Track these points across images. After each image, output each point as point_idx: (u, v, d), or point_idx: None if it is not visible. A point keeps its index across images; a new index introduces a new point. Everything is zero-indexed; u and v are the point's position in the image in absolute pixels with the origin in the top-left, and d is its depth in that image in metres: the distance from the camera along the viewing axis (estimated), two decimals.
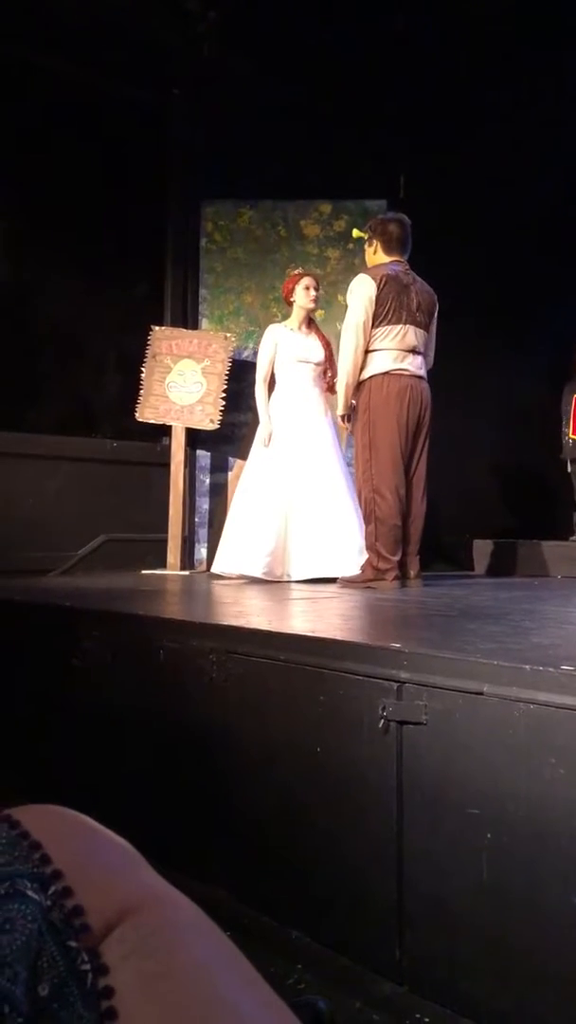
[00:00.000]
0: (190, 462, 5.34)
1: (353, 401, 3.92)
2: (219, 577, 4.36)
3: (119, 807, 1.79)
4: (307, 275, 4.55)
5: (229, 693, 1.97)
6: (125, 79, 5.17)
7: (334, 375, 4.45)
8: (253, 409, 4.52)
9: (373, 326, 3.79)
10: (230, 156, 5.24)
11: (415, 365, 3.87)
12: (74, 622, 2.54)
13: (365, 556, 3.95)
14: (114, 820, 0.70)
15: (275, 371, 4.50)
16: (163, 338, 5.30)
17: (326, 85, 5.31)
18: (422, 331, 3.89)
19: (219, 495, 5.34)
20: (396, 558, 3.77)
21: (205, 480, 5.44)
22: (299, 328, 4.51)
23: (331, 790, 1.71)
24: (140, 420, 5.21)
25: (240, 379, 5.08)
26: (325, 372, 4.50)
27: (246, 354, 5.24)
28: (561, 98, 5.37)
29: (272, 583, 4.10)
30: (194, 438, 5.33)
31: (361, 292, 3.80)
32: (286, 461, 4.32)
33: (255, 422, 4.48)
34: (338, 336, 4.05)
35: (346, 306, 3.96)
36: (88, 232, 5.03)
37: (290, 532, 4.24)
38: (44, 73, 4.94)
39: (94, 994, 0.51)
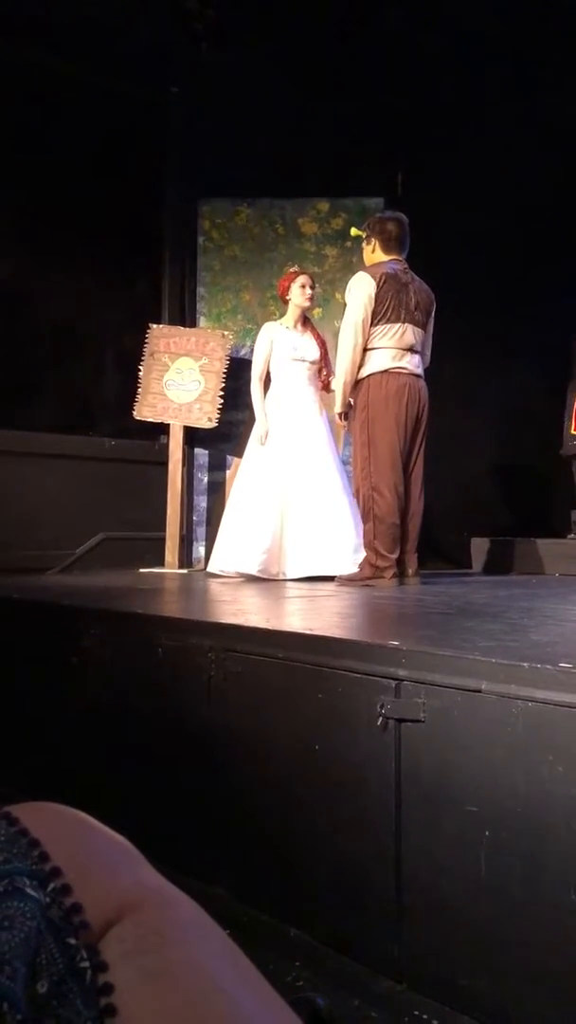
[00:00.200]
0: (188, 460, 5.34)
1: (351, 399, 3.92)
2: (216, 575, 4.37)
3: (118, 805, 1.79)
4: (302, 273, 4.55)
5: (227, 691, 1.97)
6: (123, 77, 5.16)
7: (329, 373, 4.46)
8: (251, 407, 4.52)
9: (372, 324, 3.80)
10: (228, 154, 5.23)
11: (413, 364, 3.87)
12: (72, 620, 2.54)
13: (360, 554, 3.96)
14: (113, 818, 0.70)
15: (270, 369, 4.50)
16: (161, 336, 5.30)
17: (323, 83, 5.31)
18: (420, 330, 3.90)
19: (217, 493, 5.33)
20: (394, 556, 3.78)
21: (203, 478, 5.44)
22: (294, 326, 4.51)
23: (329, 788, 1.71)
24: (138, 418, 5.21)
25: (238, 377, 5.08)
26: (320, 371, 4.50)
27: (244, 352, 5.24)
28: (559, 96, 5.37)
29: (269, 581, 4.10)
30: (192, 436, 5.33)
31: (360, 290, 3.81)
32: (281, 459, 4.32)
33: (253, 420, 4.49)
34: (336, 334, 4.05)
35: (344, 304, 3.96)
36: (86, 230, 5.02)
37: (286, 530, 4.25)
38: (42, 71, 4.94)
39: (93, 991, 0.51)
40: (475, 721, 1.46)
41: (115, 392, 5.32)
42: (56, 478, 4.93)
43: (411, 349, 3.86)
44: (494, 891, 1.41)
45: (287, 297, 4.52)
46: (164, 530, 5.10)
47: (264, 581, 4.09)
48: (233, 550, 4.27)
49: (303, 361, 4.46)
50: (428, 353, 4.02)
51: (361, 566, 3.87)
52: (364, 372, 3.84)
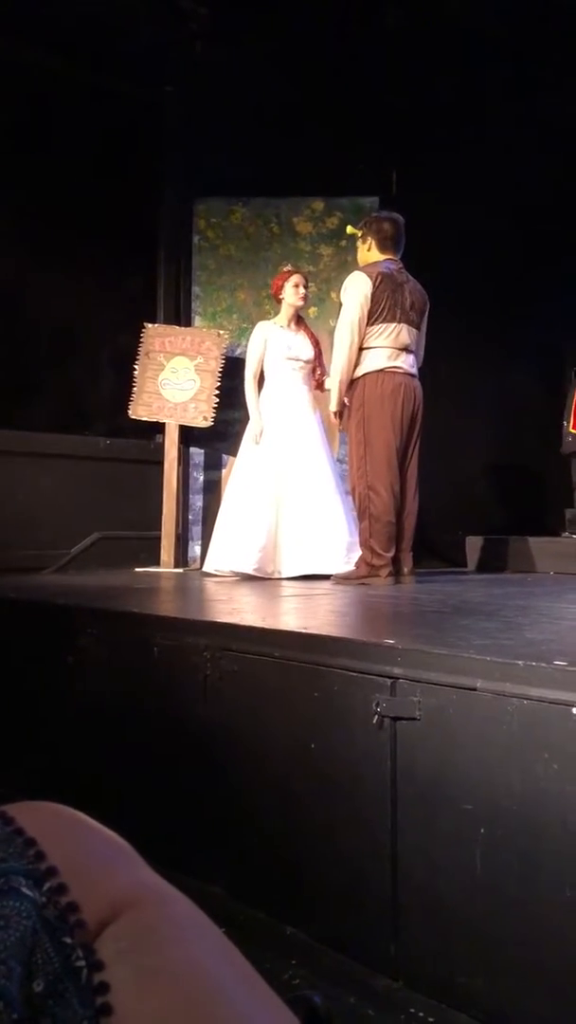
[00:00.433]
0: (183, 459, 5.34)
1: (346, 398, 3.93)
2: (212, 574, 4.37)
3: (114, 804, 1.79)
4: (296, 272, 4.55)
5: (223, 690, 1.97)
6: (118, 76, 5.16)
7: (323, 373, 4.46)
8: (246, 406, 4.52)
9: (368, 324, 3.80)
10: (223, 153, 5.23)
11: (408, 363, 3.88)
12: (68, 620, 2.54)
13: (355, 553, 3.96)
14: (109, 817, 0.70)
15: (265, 368, 4.50)
16: (156, 335, 5.29)
17: (318, 82, 5.30)
18: (414, 330, 3.91)
19: (213, 492, 5.33)
20: (390, 554, 3.78)
21: (199, 477, 5.44)
22: (288, 325, 4.51)
23: (325, 786, 1.71)
24: (133, 417, 5.20)
25: (233, 376, 5.07)
26: (315, 370, 4.50)
27: (239, 351, 5.24)
28: (556, 96, 5.38)
29: (264, 580, 4.10)
30: (187, 435, 5.33)
31: (356, 289, 3.81)
32: (276, 458, 4.32)
33: (248, 419, 4.49)
34: (331, 333, 4.05)
35: (339, 303, 3.96)
36: (80, 229, 5.01)
37: (281, 529, 4.25)
38: (36, 70, 4.93)
39: (89, 990, 0.51)
40: (470, 719, 1.47)
41: (110, 391, 5.31)
42: (51, 477, 4.92)
43: (406, 349, 3.87)
44: (490, 889, 1.41)
45: (280, 296, 4.52)
46: (160, 529, 5.09)
47: (260, 580, 4.09)
48: (229, 549, 4.27)
49: (297, 360, 4.46)
50: (421, 353, 4.03)
51: (357, 565, 3.88)
52: (360, 371, 3.84)
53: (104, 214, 5.07)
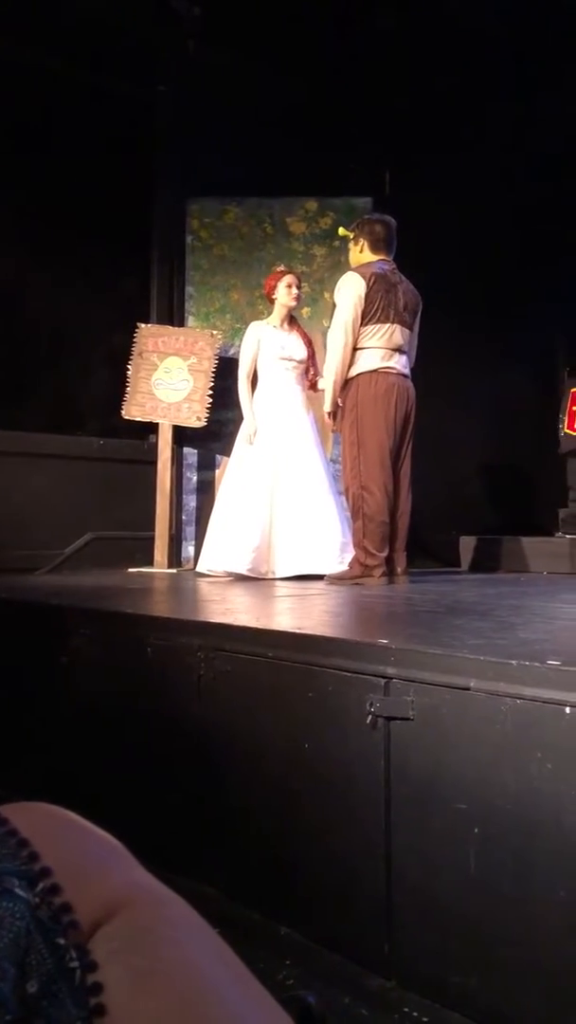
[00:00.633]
0: (177, 460, 5.33)
1: (339, 399, 3.93)
2: (206, 575, 4.36)
3: (108, 804, 1.79)
4: (289, 273, 4.55)
5: (217, 690, 1.97)
6: (111, 76, 5.15)
7: (316, 373, 4.46)
8: (239, 406, 4.51)
9: (361, 324, 3.80)
10: (215, 153, 5.23)
11: (401, 364, 3.89)
12: (62, 620, 2.54)
13: (349, 553, 3.97)
14: (103, 817, 0.70)
15: (258, 368, 4.50)
16: (149, 335, 5.29)
17: (312, 82, 5.31)
18: (407, 330, 3.92)
19: (206, 493, 5.33)
20: (383, 555, 3.79)
21: (192, 478, 5.44)
22: (281, 326, 4.51)
23: (319, 786, 1.71)
24: (127, 418, 5.20)
25: (227, 376, 5.08)
26: (308, 370, 4.50)
27: (233, 351, 5.23)
28: (549, 96, 5.39)
29: (258, 580, 4.10)
30: (181, 436, 5.33)
31: (350, 290, 3.81)
32: (269, 458, 4.32)
33: (241, 419, 4.49)
34: (324, 334, 4.06)
35: (333, 304, 3.96)
36: (74, 229, 5.01)
37: (274, 529, 4.25)
38: (30, 69, 4.92)
39: (83, 990, 0.51)
40: (464, 719, 1.47)
41: (104, 391, 5.31)
42: (45, 478, 4.91)
43: (399, 349, 3.87)
44: (484, 888, 1.41)
45: (273, 296, 4.52)
46: (153, 529, 5.09)
47: (253, 580, 4.09)
48: (222, 549, 4.26)
49: (290, 360, 4.46)
50: (414, 354, 4.04)
51: (350, 565, 3.88)
52: (353, 372, 3.84)
53: (97, 214, 5.06)
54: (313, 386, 4.50)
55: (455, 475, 5.79)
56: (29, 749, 2.57)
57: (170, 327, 5.37)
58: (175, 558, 5.24)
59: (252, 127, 5.16)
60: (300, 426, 4.41)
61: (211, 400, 5.13)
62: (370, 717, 1.59)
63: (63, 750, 2.42)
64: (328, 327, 4.05)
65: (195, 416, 5.15)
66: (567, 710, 1.33)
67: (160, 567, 5.01)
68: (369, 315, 3.79)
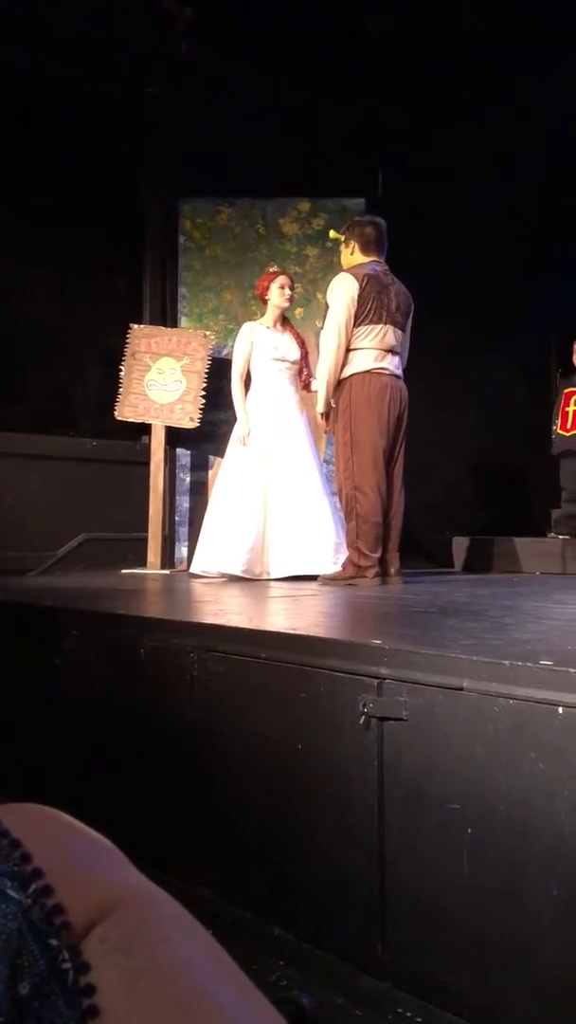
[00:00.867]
0: (170, 460, 5.33)
1: (332, 400, 3.93)
2: (199, 576, 4.36)
3: (100, 805, 1.78)
4: (282, 274, 4.55)
5: (210, 691, 1.97)
6: (102, 76, 5.15)
7: (309, 374, 4.46)
8: (233, 407, 4.51)
9: (354, 325, 3.81)
10: (208, 154, 5.23)
11: (394, 365, 3.89)
12: (54, 621, 2.53)
13: (342, 554, 3.97)
14: (95, 818, 0.70)
15: (251, 369, 4.50)
16: (142, 336, 5.28)
17: (304, 83, 5.31)
18: (400, 331, 3.92)
19: (199, 493, 5.33)
20: (377, 555, 3.79)
21: (185, 478, 5.43)
22: (274, 326, 4.51)
23: (312, 786, 1.71)
24: (120, 419, 5.19)
25: (220, 377, 5.07)
26: (301, 371, 4.50)
27: (226, 352, 5.24)
28: (539, 97, 5.40)
29: (252, 581, 4.10)
30: (174, 436, 5.32)
31: (343, 291, 3.81)
32: (262, 459, 4.32)
33: (235, 420, 4.48)
34: (317, 334, 4.06)
35: (326, 304, 3.97)
36: (66, 230, 5.00)
37: (268, 530, 4.25)
38: (20, 70, 4.91)
39: (75, 992, 0.51)
40: (457, 719, 1.47)
41: (96, 392, 5.30)
42: (37, 479, 4.90)
43: (392, 350, 3.88)
44: (477, 888, 1.41)
45: (266, 297, 4.52)
46: (146, 530, 5.09)
47: (247, 581, 4.09)
48: (216, 550, 4.26)
49: (284, 361, 4.46)
50: (406, 355, 4.04)
51: (344, 565, 3.88)
52: (346, 372, 3.85)
53: (89, 214, 5.06)
54: (306, 387, 4.50)
55: (448, 476, 5.80)
56: (21, 749, 2.57)
57: (163, 328, 5.37)
58: (168, 559, 5.24)
59: (244, 128, 5.16)
60: (293, 427, 4.41)
61: (204, 401, 5.13)
62: (363, 717, 1.59)
63: (55, 751, 2.42)
64: (321, 328, 4.05)
65: (188, 417, 5.14)
66: (560, 710, 1.33)
67: (153, 568, 5.01)
68: (362, 316, 3.80)
